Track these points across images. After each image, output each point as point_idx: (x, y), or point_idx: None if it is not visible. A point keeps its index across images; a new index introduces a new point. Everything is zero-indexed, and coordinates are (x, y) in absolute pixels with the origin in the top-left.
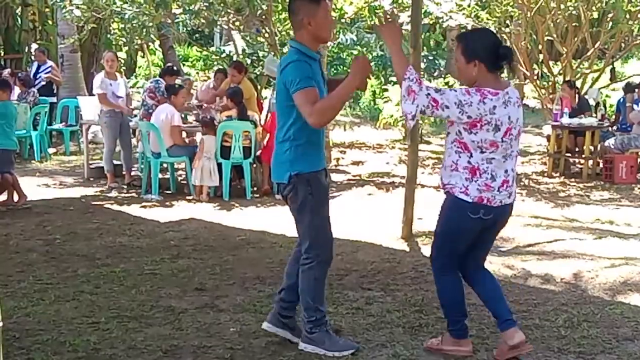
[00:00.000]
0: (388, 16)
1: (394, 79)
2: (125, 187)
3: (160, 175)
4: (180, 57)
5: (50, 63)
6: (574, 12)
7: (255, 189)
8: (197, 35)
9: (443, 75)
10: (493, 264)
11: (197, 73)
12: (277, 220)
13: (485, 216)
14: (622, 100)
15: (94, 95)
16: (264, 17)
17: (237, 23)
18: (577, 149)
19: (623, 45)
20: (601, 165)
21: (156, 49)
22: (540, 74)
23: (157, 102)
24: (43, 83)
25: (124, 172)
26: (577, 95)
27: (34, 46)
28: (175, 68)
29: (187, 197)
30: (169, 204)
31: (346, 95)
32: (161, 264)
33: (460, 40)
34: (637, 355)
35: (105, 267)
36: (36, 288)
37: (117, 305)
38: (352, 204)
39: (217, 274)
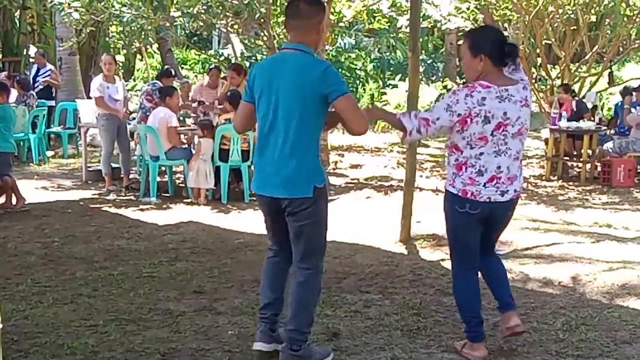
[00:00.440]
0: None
1: (392, 82)
2: (123, 190)
3: (158, 178)
4: (179, 60)
5: (49, 66)
6: (572, 16)
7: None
8: (195, 38)
9: (441, 79)
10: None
11: (196, 76)
12: None
13: (472, 210)
14: (620, 104)
15: (92, 98)
16: (262, 20)
17: (235, 26)
18: (575, 153)
19: (621, 49)
20: (599, 168)
21: (154, 52)
22: (538, 78)
23: (154, 105)
24: (41, 87)
25: (122, 175)
26: (574, 99)
27: (33, 49)
28: (172, 70)
29: (186, 200)
30: (167, 207)
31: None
32: (159, 266)
33: (467, 35)
34: (635, 358)
35: (104, 270)
36: (34, 291)
37: (116, 308)
38: (350, 207)
39: (216, 276)
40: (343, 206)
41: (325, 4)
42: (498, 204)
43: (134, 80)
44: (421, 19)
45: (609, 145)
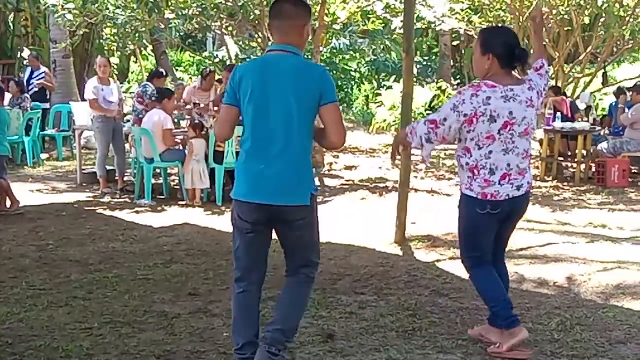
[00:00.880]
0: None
1: (387, 83)
2: (118, 192)
3: (153, 181)
4: (173, 62)
5: (43, 69)
6: (565, 17)
7: None
8: (190, 40)
9: (436, 80)
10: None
11: (190, 78)
12: None
13: (493, 210)
14: (614, 104)
15: (86, 100)
16: (256, 22)
17: (229, 28)
18: (569, 153)
19: (615, 49)
20: (593, 169)
21: (149, 54)
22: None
23: (145, 107)
24: (36, 89)
25: (116, 178)
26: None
27: (26, 51)
28: (163, 71)
29: (180, 202)
30: (162, 209)
31: None
32: (154, 269)
33: (481, 33)
34: (629, 358)
35: (98, 272)
36: (29, 294)
37: (110, 310)
38: (345, 209)
39: (211, 278)
40: (338, 207)
41: (320, 5)
42: (517, 198)
43: (128, 82)
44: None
45: (603, 146)
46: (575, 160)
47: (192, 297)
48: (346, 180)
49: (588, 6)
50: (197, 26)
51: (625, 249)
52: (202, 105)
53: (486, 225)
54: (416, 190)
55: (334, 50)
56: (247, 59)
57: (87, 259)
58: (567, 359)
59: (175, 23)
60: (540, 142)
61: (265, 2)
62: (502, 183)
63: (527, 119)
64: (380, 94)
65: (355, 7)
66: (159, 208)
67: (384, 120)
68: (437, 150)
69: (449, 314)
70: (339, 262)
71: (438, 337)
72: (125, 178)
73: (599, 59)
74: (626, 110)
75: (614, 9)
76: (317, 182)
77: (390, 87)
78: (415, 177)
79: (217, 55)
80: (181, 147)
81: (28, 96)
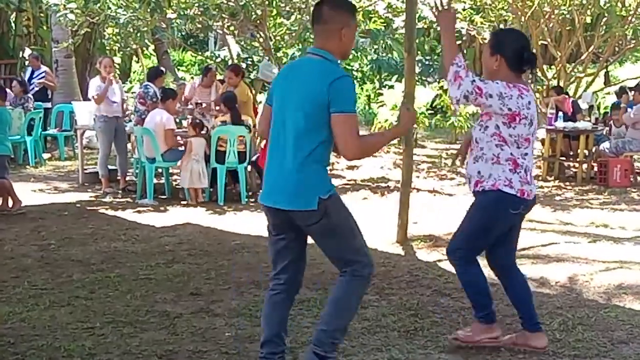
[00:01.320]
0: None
1: (388, 82)
2: (120, 192)
3: (155, 180)
4: (175, 61)
5: (44, 68)
6: (567, 17)
7: (250, 193)
8: (191, 39)
9: (437, 80)
10: (488, 267)
11: (192, 78)
12: None
13: (523, 211)
14: (617, 103)
15: (88, 100)
16: (258, 22)
17: (231, 28)
18: (571, 153)
19: (617, 49)
20: (596, 168)
21: (151, 54)
22: (534, 78)
23: (147, 108)
24: (37, 89)
25: (118, 177)
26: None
27: (28, 51)
28: (162, 69)
29: (182, 202)
30: (164, 209)
31: (389, 141)
32: (156, 269)
33: (492, 34)
34: (632, 358)
35: (100, 272)
36: (31, 293)
37: (112, 310)
38: None
39: (212, 278)
40: None
41: None
42: (535, 197)
43: (130, 82)
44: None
45: (605, 145)
46: (578, 160)
47: (194, 297)
48: (348, 180)
49: (590, 6)
50: (199, 26)
51: (628, 249)
52: (204, 104)
53: (505, 226)
54: (418, 190)
55: None
56: (249, 59)
57: (89, 259)
58: (569, 359)
59: (177, 23)
60: (543, 141)
61: (267, 2)
62: (532, 182)
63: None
64: (382, 94)
65: (357, 7)
66: (161, 208)
67: (386, 120)
68: (439, 150)
69: (450, 313)
70: None
71: (440, 337)
72: (127, 178)
73: (601, 59)
74: (628, 110)
75: (616, 9)
76: (333, 188)
77: (392, 87)
78: (418, 176)
79: (218, 55)
80: (183, 147)
81: (31, 96)
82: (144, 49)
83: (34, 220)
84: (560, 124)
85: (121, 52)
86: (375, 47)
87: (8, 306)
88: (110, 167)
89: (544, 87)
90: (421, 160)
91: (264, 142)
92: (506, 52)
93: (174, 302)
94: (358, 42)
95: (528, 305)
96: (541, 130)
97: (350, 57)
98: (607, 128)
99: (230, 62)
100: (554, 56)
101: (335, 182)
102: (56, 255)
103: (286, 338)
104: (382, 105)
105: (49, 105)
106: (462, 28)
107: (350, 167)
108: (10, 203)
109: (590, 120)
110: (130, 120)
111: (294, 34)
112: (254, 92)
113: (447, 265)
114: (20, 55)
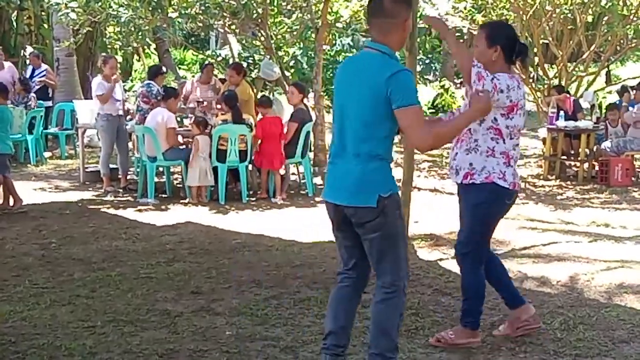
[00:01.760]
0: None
1: None
2: (121, 190)
3: (156, 179)
4: (176, 60)
5: (45, 67)
6: (569, 16)
7: (251, 192)
8: (193, 38)
9: (439, 79)
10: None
11: (193, 76)
12: (273, 223)
13: (513, 201)
14: (619, 102)
15: (90, 98)
16: (259, 20)
17: (233, 26)
18: (572, 152)
19: (618, 48)
20: (597, 168)
21: (152, 53)
22: (535, 77)
23: (151, 106)
24: (37, 87)
25: (119, 176)
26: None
27: (29, 50)
28: (162, 67)
29: (183, 201)
30: (165, 208)
31: (464, 127)
32: (157, 267)
33: (484, 26)
34: (632, 357)
35: (101, 271)
36: (32, 292)
37: (113, 309)
38: None
39: (213, 277)
40: None
41: (323, 3)
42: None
43: (132, 81)
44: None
45: (606, 145)
46: (579, 159)
47: (195, 295)
48: None
49: (591, 5)
50: (200, 25)
51: (629, 248)
52: (205, 102)
53: (502, 216)
54: (419, 189)
55: (338, 49)
56: (250, 58)
57: (90, 258)
58: (570, 358)
59: (178, 22)
60: (544, 140)
61: (268, 1)
62: (518, 173)
63: None
64: None
65: (358, 5)
66: (162, 206)
67: None
68: (440, 149)
69: (451, 313)
70: None
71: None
72: (129, 177)
73: (602, 58)
74: (630, 109)
75: (617, 8)
76: (396, 188)
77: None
78: (418, 175)
79: (220, 53)
80: (184, 146)
81: (34, 95)
82: (146, 47)
83: (35, 218)
84: (561, 123)
85: (122, 51)
86: None
87: (9, 305)
88: (111, 165)
89: (545, 86)
90: (422, 159)
91: (259, 142)
92: (504, 43)
93: (174, 301)
94: (359, 41)
95: (508, 284)
96: (542, 129)
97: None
98: (605, 129)
99: (231, 61)
100: (556, 55)
101: None
102: (57, 254)
103: (350, 336)
104: None
105: (50, 103)
106: (464, 27)
107: None
108: (12, 202)
109: (591, 120)
110: (131, 119)
111: (295, 33)
112: (255, 90)
113: (448, 265)
114: (22, 54)
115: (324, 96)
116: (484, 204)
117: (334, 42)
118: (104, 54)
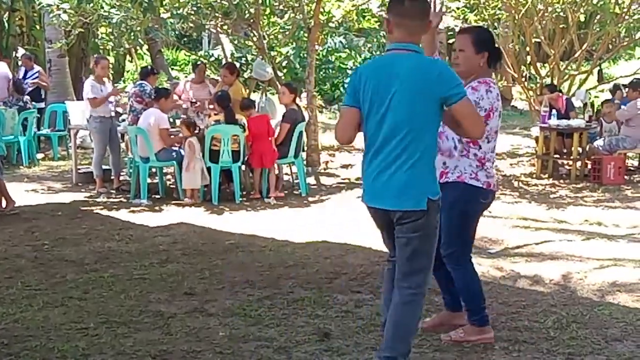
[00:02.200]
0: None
1: None
2: (113, 192)
3: (149, 180)
4: (169, 61)
5: (37, 68)
6: (561, 14)
7: (244, 192)
8: (185, 39)
9: None
10: (482, 265)
11: (186, 77)
12: (267, 224)
13: (490, 200)
14: (608, 100)
15: (82, 100)
16: (252, 20)
17: (225, 27)
18: (565, 151)
19: (610, 47)
20: (589, 166)
21: (144, 53)
22: (528, 76)
23: (145, 106)
24: (30, 89)
25: (112, 177)
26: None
27: (21, 51)
28: (154, 68)
29: (176, 202)
30: (158, 209)
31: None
32: (150, 268)
33: (469, 31)
34: (625, 355)
35: (94, 272)
36: (25, 294)
37: (106, 310)
38: (341, 207)
39: (207, 278)
40: (334, 206)
41: (315, 3)
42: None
43: (124, 81)
44: None
45: (599, 143)
46: (571, 157)
47: (188, 296)
48: (342, 179)
49: (583, 3)
50: (192, 25)
51: (621, 247)
52: (198, 103)
53: (479, 214)
54: None
55: (330, 49)
56: (243, 58)
57: (83, 259)
58: (563, 356)
59: (170, 22)
60: (536, 139)
61: (260, 1)
62: (494, 174)
63: None
64: None
65: (350, 5)
66: (155, 207)
67: None
68: None
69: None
70: (335, 260)
71: (434, 335)
72: (121, 178)
73: (594, 57)
74: (622, 107)
75: (609, 6)
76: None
77: None
78: None
79: (212, 54)
80: (176, 147)
81: (29, 98)
82: (138, 48)
83: (27, 220)
84: (553, 121)
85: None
86: (369, 45)
87: (1, 307)
88: (104, 167)
89: (538, 85)
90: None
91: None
92: (490, 49)
93: (168, 302)
94: (352, 40)
95: (454, 291)
96: (535, 128)
97: (344, 55)
98: (599, 126)
99: (224, 61)
100: (548, 54)
101: (330, 180)
102: (50, 256)
103: None
104: None
105: (42, 105)
106: (456, 26)
107: (345, 166)
108: (4, 203)
109: (583, 118)
110: (123, 120)
111: (287, 33)
112: (248, 91)
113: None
114: (14, 55)
115: (316, 96)
116: (459, 202)
117: (325, 41)
118: (96, 55)
